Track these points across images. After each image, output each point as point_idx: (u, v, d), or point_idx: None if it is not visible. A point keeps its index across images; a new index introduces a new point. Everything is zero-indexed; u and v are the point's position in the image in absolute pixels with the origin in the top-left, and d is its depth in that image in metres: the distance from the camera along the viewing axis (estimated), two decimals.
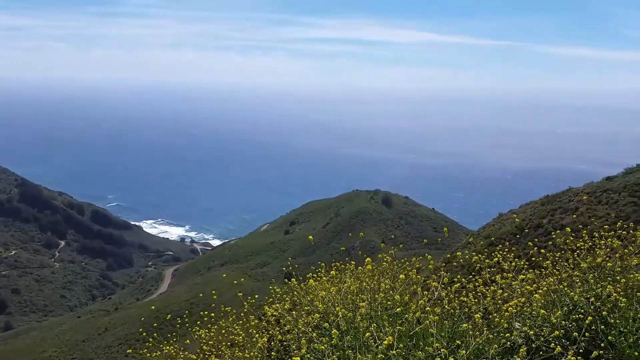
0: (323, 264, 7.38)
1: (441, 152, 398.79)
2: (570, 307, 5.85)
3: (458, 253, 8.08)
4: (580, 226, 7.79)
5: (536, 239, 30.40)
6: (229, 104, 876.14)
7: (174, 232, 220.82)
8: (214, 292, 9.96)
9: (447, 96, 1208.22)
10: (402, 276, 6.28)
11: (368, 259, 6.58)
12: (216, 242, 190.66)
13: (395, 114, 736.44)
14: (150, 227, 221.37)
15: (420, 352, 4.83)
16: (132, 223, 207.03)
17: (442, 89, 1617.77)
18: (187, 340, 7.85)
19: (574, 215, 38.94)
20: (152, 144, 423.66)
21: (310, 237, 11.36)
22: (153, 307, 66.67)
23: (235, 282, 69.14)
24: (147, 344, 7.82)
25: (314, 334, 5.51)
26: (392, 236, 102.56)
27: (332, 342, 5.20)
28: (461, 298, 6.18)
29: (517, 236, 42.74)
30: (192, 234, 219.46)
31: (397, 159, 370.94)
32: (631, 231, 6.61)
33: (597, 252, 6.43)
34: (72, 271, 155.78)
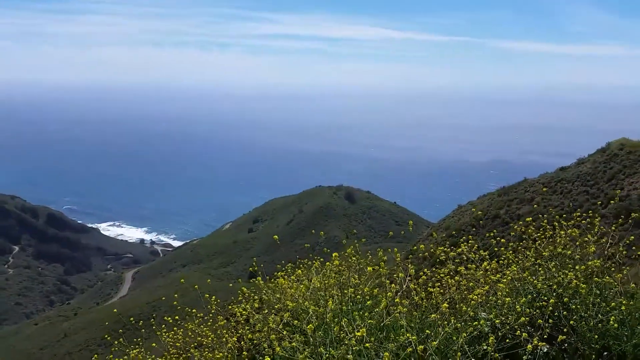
0: (290, 262, 7.39)
1: (399, 147, 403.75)
2: (534, 295, 6.04)
3: (422, 246, 8.19)
4: (540, 215, 8.04)
5: (495, 230, 31.15)
6: (186, 101, 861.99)
7: (132, 235, 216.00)
8: (176, 294, 9.76)
9: (407, 92, 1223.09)
10: (369, 269, 6.32)
11: (335, 254, 6.60)
12: (177, 243, 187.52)
13: (356, 109, 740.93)
14: (107, 230, 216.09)
15: (391, 344, 4.89)
16: (89, 226, 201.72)
17: (402, 85, 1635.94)
18: (154, 344, 7.71)
19: (535, 205, 40.17)
20: (107, 145, 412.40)
21: (276, 236, 11.24)
22: (115, 310, 65.32)
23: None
24: (112, 348, 7.65)
25: (285, 332, 5.50)
26: (353, 231, 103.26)
27: (304, 338, 5.20)
28: (428, 289, 6.27)
29: (474, 228, 43.73)
30: (152, 236, 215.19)
31: (358, 154, 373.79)
32: (589, 219, 6.85)
33: (558, 241, 6.64)
34: (27, 277, 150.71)
